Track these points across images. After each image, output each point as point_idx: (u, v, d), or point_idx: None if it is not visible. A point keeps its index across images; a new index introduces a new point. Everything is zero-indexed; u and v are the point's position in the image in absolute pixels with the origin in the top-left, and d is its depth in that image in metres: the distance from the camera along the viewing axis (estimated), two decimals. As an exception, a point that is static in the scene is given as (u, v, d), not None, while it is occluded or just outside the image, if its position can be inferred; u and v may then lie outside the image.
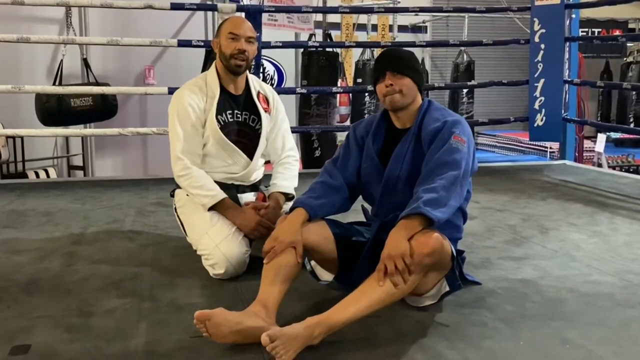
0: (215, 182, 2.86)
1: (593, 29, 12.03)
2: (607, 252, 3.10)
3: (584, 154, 8.67)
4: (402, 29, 10.31)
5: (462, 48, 10.17)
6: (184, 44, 5.33)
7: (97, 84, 6.31)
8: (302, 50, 7.17)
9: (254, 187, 3.03)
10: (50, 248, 3.14)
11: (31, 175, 6.49)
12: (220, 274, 2.67)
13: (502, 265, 2.90)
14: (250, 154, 2.95)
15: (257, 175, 3.04)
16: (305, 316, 2.00)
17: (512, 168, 5.76)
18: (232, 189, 2.90)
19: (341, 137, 6.87)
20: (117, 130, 5.05)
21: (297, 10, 5.79)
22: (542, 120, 5.48)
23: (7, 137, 6.10)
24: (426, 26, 11.72)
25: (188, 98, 2.87)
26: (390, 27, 9.54)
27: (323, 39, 7.40)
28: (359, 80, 10.17)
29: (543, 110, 5.48)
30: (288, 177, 3.03)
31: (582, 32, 11.68)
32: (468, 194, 2.46)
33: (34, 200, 4.28)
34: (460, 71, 10.46)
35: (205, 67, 6.09)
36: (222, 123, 2.90)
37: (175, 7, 5.15)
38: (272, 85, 8.18)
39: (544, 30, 5.41)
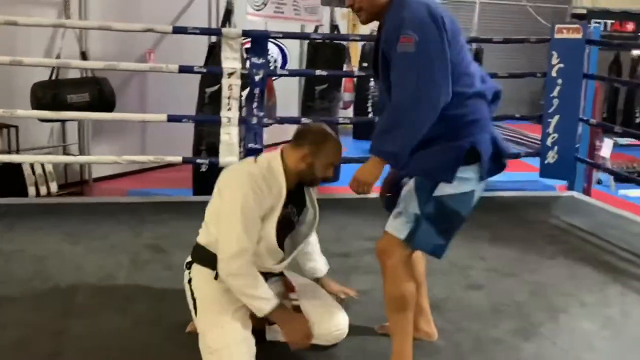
0: None
1: (606, 20, 11.70)
2: (619, 352, 3.02)
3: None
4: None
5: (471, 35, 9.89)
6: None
7: (94, 79, 6.10)
8: (307, 41, 6.97)
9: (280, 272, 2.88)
10: (37, 324, 2.98)
11: (27, 170, 6.23)
12: (221, 378, 2.50)
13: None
14: (284, 248, 2.76)
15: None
16: None
17: (518, 202, 5.52)
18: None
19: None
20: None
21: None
22: (553, 158, 5.27)
23: (1, 126, 5.90)
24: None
25: (258, 192, 2.57)
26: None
27: (330, 30, 7.16)
28: (365, 64, 9.91)
29: (555, 147, 5.26)
30: (319, 255, 3.02)
31: (595, 22, 11.39)
32: (467, 77, 2.46)
33: (23, 236, 4.13)
34: (468, 60, 10.18)
35: (207, 62, 5.83)
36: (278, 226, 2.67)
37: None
38: (274, 68, 7.88)
39: (562, 65, 5.14)
